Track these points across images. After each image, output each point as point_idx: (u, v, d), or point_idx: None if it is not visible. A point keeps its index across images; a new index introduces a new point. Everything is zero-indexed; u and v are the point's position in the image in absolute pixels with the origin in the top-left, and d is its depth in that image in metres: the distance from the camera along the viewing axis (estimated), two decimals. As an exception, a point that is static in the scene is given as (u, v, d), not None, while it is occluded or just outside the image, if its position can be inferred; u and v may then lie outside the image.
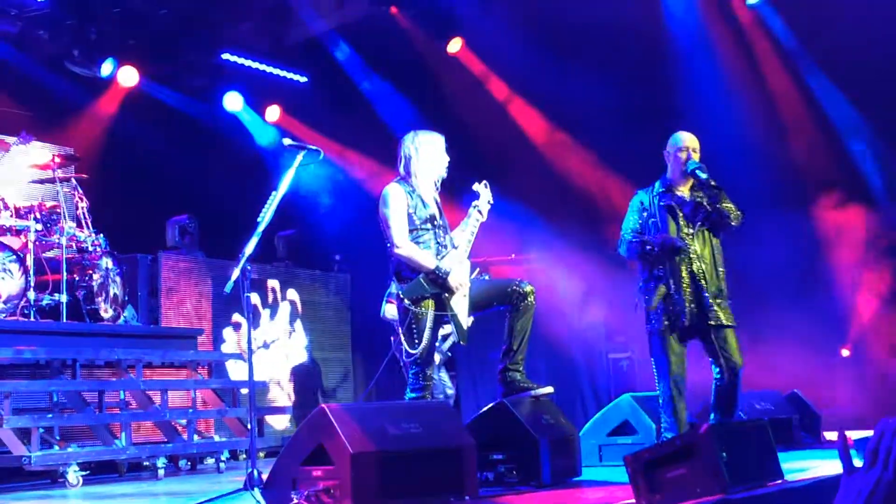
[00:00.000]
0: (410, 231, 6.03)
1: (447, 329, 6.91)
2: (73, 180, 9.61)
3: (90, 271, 9.07)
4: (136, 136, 11.96)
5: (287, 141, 6.08)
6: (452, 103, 12.41)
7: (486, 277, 7.72)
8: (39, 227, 8.88)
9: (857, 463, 1.78)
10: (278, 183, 5.81)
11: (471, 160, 10.04)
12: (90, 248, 9.30)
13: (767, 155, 11.25)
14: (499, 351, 6.20)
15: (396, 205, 6.06)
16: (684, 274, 6.53)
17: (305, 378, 12.30)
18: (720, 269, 6.62)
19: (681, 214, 6.63)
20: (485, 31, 12.01)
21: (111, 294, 9.25)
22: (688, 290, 6.53)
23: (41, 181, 9.71)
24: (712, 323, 6.48)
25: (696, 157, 6.64)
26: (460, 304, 6.01)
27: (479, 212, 6.31)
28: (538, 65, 11.78)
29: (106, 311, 9.16)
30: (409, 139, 6.28)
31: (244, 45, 12.52)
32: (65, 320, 8.76)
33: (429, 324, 5.87)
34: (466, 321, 6.07)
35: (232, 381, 10.14)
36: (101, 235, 9.45)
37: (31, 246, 8.69)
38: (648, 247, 6.57)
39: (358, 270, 13.00)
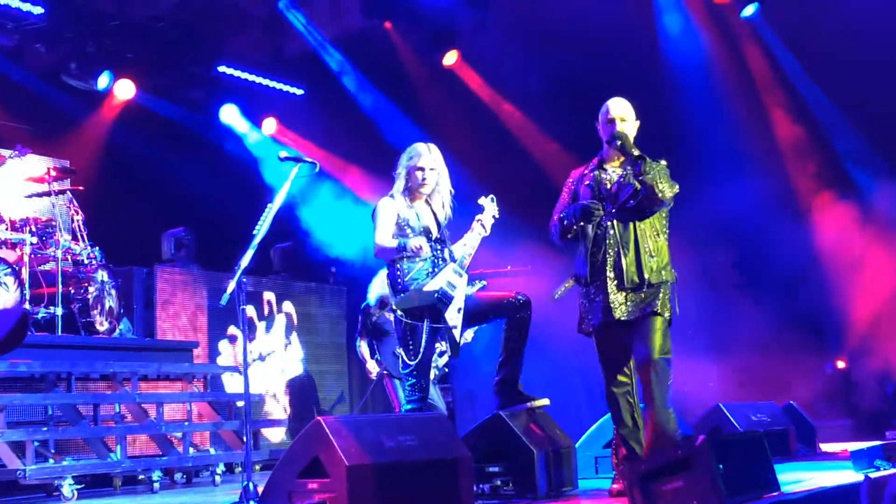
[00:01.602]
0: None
1: (442, 346, 6.91)
2: (69, 193, 9.61)
3: (86, 284, 9.06)
4: (132, 149, 11.96)
5: (283, 153, 6.08)
6: (448, 115, 12.42)
7: (484, 283, 7.70)
8: (35, 240, 8.88)
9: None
10: (274, 195, 5.82)
11: (466, 173, 10.06)
12: (86, 261, 9.29)
13: (760, 162, 11.30)
14: (494, 363, 6.19)
15: (383, 214, 6.09)
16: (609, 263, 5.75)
17: (301, 391, 12.28)
18: (651, 255, 5.69)
19: (602, 193, 5.83)
20: (480, 44, 12.03)
21: (107, 307, 9.23)
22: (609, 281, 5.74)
23: (37, 194, 9.69)
24: (622, 317, 5.67)
25: (623, 126, 5.83)
26: (454, 318, 6.01)
27: (482, 226, 6.31)
28: (534, 77, 11.79)
29: (101, 324, 9.15)
30: (404, 154, 6.30)
31: (240, 58, 12.53)
32: (60, 333, 8.75)
33: (424, 335, 5.87)
34: (460, 334, 6.07)
35: (227, 393, 10.13)
36: (97, 248, 9.45)
37: (26, 259, 8.68)
38: (566, 221, 5.86)
39: (354, 283, 13.00)
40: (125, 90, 11.71)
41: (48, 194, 9.48)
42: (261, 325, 11.93)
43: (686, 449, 4.56)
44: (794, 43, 11.52)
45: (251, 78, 12.73)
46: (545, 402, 6.15)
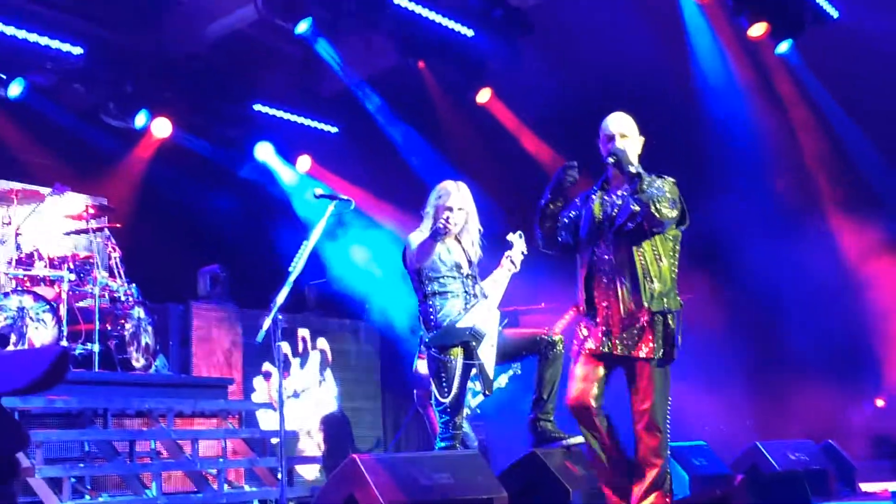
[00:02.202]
0: (436, 279, 6.06)
1: (476, 385, 6.91)
2: (107, 230, 9.71)
3: (122, 321, 9.13)
4: (169, 187, 12.06)
5: (318, 191, 6.12)
6: (480, 152, 12.46)
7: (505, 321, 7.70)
8: (73, 277, 8.96)
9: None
10: (309, 233, 5.85)
11: (500, 210, 10.08)
12: (122, 298, 9.36)
13: (796, 198, 11.25)
14: (528, 400, 6.18)
15: (415, 238, 6.14)
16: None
17: (335, 428, 12.27)
18: (652, 280, 5.23)
19: (602, 215, 5.44)
20: (513, 81, 12.08)
21: (143, 343, 9.29)
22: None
23: (75, 232, 9.79)
24: (618, 352, 5.24)
25: (624, 143, 5.41)
26: (487, 354, 6.01)
27: (512, 262, 6.33)
28: (566, 113, 11.82)
29: (137, 361, 9.20)
30: (433, 192, 6.36)
31: (275, 96, 12.63)
32: (97, 370, 8.80)
33: (458, 372, 5.87)
34: (493, 370, 6.07)
35: (262, 430, 10.13)
36: (134, 285, 9.52)
37: (64, 296, 8.75)
38: (542, 202, 5.50)
39: (388, 319, 13.01)
40: (162, 128, 11.82)
41: (86, 232, 9.58)
42: (295, 362, 11.96)
43: (724, 489, 4.52)
44: (828, 79, 11.49)
45: (286, 116, 12.82)
46: (580, 439, 6.10)
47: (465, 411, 7.03)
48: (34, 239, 9.44)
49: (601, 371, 5.32)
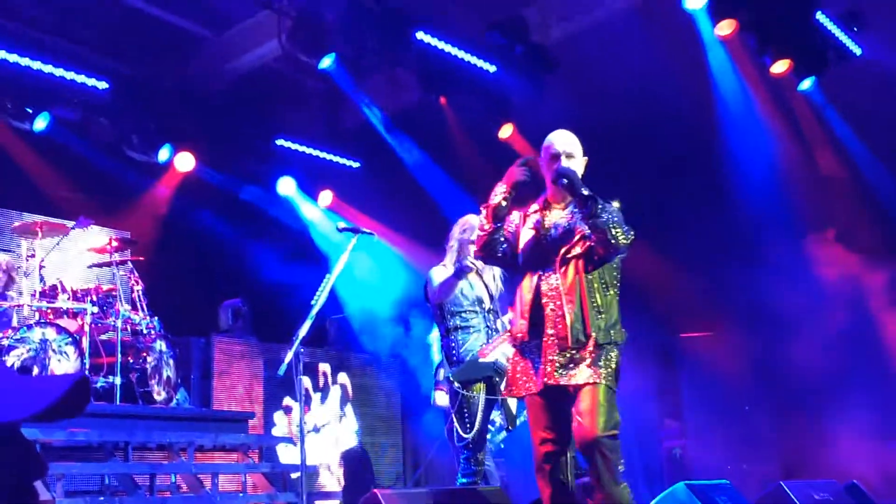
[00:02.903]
0: (458, 313, 6.06)
1: (499, 420, 6.89)
2: (130, 263, 9.75)
3: (144, 354, 9.15)
4: (191, 220, 12.12)
5: (341, 224, 6.14)
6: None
7: None
8: (96, 309, 9.00)
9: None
10: (331, 267, 5.86)
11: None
12: (145, 331, 9.39)
13: (818, 232, 11.24)
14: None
15: (438, 275, 6.13)
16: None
17: (356, 462, 12.22)
18: (599, 311, 4.89)
19: (547, 238, 5.06)
20: (535, 116, 12.10)
21: (164, 376, 9.30)
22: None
23: (98, 264, 9.84)
24: (563, 382, 4.86)
25: (570, 163, 5.09)
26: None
27: None
28: (590, 151, 11.83)
29: (159, 394, 9.21)
30: (456, 226, 6.37)
31: (298, 131, 12.71)
32: (118, 402, 8.81)
33: (480, 407, 5.85)
34: (517, 405, 6.04)
35: (282, 465, 10.10)
36: (156, 318, 9.55)
37: (87, 328, 8.79)
38: (494, 199, 5.11)
39: (408, 354, 12.99)
40: (185, 163, 11.89)
41: (109, 264, 9.63)
42: (316, 397, 11.94)
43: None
44: (851, 116, 11.48)
45: (308, 151, 12.88)
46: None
47: (489, 446, 7.01)
48: (58, 271, 9.50)
49: (551, 408, 4.95)
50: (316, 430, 11.82)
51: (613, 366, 4.89)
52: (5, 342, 8.22)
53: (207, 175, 12.38)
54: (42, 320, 8.65)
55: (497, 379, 5.95)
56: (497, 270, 6.34)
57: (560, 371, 4.86)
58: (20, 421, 1.52)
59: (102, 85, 10.71)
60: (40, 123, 10.62)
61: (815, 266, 11.19)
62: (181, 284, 11.37)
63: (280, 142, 12.59)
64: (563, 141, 5.19)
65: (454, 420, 5.98)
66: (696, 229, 11.14)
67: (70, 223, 9.43)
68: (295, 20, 10.17)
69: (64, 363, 8.45)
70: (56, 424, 7.73)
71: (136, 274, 9.73)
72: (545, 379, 4.87)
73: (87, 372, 8.58)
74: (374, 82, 11.98)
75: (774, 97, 11.31)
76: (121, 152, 11.64)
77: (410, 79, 11.63)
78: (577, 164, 5.16)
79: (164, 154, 11.69)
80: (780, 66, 10.38)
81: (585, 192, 4.90)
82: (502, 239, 5.13)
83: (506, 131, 12.57)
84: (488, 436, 6.33)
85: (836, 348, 10.66)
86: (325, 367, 12.16)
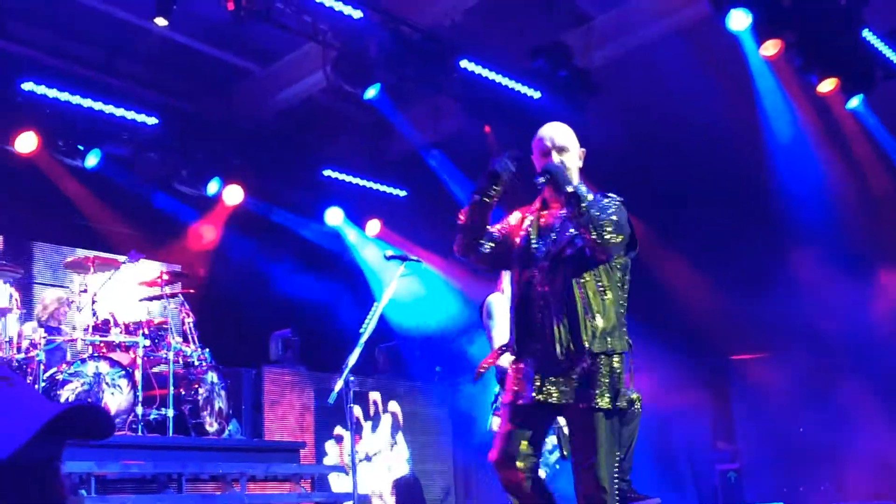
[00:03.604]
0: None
1: (553, 441, 6.84)
2: (181, 296, 9.84)
3: (196, 385, 9.21)
4: (241, 252, 12.22)
5: (389, 252, 6.16)
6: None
7: None
8: (148, 342, 9.08)
9: None
10: (379, 296, 5.88)
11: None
12: (196, 363, 9.46)
13: (870, 253, 11.10)
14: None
15: (498, 315, 6.10)
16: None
17: (407, 491, 12.21)
18: (593, 316, 4.46)
19: (539, 240, 4.69)
20: (580, 142, 12.08)
21: (216, 408, 9.36)
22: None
23: (150, 298, 9.95)
24: (554, 400, 4.48)
25: (563, 158, 4.68)
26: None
27: None
28: (636, 175, 11.80)
29: (211, 425, 9.26)
30: None
31: (345, 162, 12.78)
32: (171, 434, 8.87)
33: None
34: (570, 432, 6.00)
35: (334, 493, 10.12)
36: (207, 350, 9.62)
37: (139, 361, 8.86)
38: (476, 194, 4.71)
39: (459, 381, 12.98)
40: (234, 195, 11.99)
41: (160, 297, 9.72)
42: (367, 425, 11.95)
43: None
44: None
45: (355, 181, 12.95)
46: (656, 501, 6.02)
47: (544, 471, 6.97)
48: (110, 305, 9.60)
49: (534, 424, 4.58)
50: (368, 458, 11.83)
51: (613, 380, 4.44)
52: (59, 376, 8.32)
53: (255, 206, 12.48)
54: (95, 354, 8.75)
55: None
56: None
57: (550, 387, 4.46)
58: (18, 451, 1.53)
59: (152, 120, 10.86)
60: (91, 160, 10.77)
61: (866, 283, 11.06)
62: (231, 316, 11.46)
63: (327, 172, 12.67)
64: (554, 134, 4.77)
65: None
66: (746, 251, 11.07)
67: (121, 258, 9.55)
68: (339, 51, 10.26)
69: (117, 396, 8.54)
70: (111, 457, 7.81)
71: (187, 306, 9.82)
72: (534, 394, 4.48)
73: (140, 405, 8.64)
74: (419, 111, 12.05)
75: (822, 117, 11.23)
76: (170, 186, 11.77)
77: (455, 106, 11.67)
78: (572, 157, 4.74)
79: (213, 187, 11.80)
80: (826, 85, 10.30)
81: (570, 189, 4.46)
82: (485, 240, 4.74)
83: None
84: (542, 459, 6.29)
85: (890, 371, 10.52)
86: (375, 396, 12.18)
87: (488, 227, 4.76)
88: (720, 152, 11.09)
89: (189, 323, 9.71)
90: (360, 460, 11.58)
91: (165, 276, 9.68)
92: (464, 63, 10.80)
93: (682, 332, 11.42)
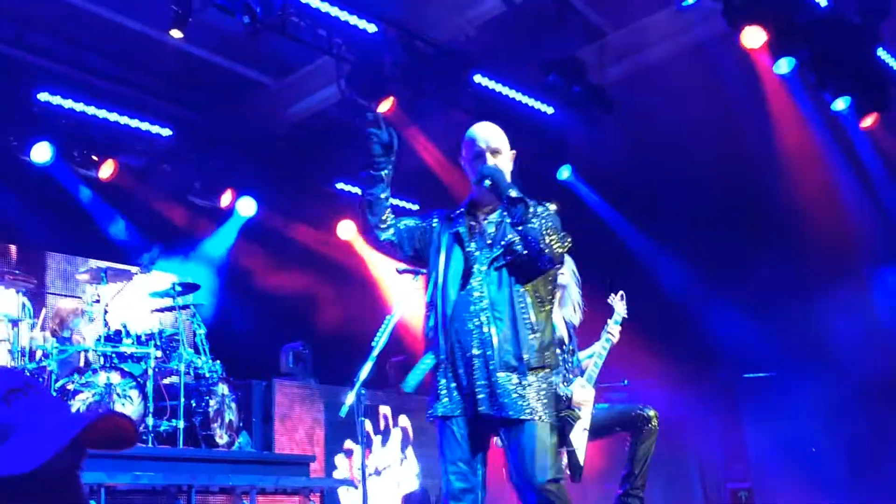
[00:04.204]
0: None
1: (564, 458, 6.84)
2: (192, 307, 9.84)
3: (207, 397, 9.21)
4: (252, 264, 12.24)
5: (401, 265, 6.15)
6: (564, 229, 12.45)
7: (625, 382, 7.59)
8: (159, 353, 9.10)
9: None
10: (392, 308, 5.86)
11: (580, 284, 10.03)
12: (207, 375, 9.46)
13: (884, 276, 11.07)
14: (616, 475, 6.09)
15: None
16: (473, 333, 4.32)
17: (416, 506, 12.18)
18: (533, 329, 4.28)
19: (473, 245, 4.47)
20: (594, 159, 12.09)
21: (226, 420, 9.35)
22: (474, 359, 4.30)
23: (161, 309, 9.96)
24: (490, 412, 4.27)
25: (497, 160, 4.51)
26: (579, 438, 5.93)
27: (610, 334, 6.24)
28: (649, 191, 11.79)
29: (221, 437, 9.25)
30: None
31: (357, 175, 12.78)
32: (181, 446, 8.87)
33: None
34: (583, 455, 5.98)
35: (343, 508, 10.10)
36: (218, 362, 9.62)
37: (150, 372, 8.87)
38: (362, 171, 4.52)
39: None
40: (247, 207, 12.02)
41: (172, 309, 9.73)
42: (377, 439, 11.93)
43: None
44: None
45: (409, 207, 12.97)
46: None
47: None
48: (122, 316, 9.61)
49: (470, 439, 4.36)
50: (377, 472, 11.80)
51: (550, 394, 4.30)
52: (71, 386, 8.33)
53: (268, 219, 12.50)
54: (107, 364, 8.76)
55: (568, 428, 5.88)
56: (578, 297, 6.27)
57: (487, 399, 4.25)
58: (49, 460, 1.53)
59: (166, 132, 10.90)
60: (106, 170, 10.81)
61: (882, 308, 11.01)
62: (243, 328, 11.46)
63: (340, 185, 12.69)
64: (488, 135, 4.59)
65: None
66: (759, 269, 11.02)
67: (134, 269, 9.57)
68: (353, 65, 10.28)
69: (128, 407, 8.54)
70: (121, 468, 7.81)
71: (199, 318, 9.82)
72: (470, 406, 4.30)
73: (150, 416, 8.64)
74: (432, 124, 12.06)
75: (836, 135, 11.20)
76: (184, 198, 11.81)
77: (468, 121, 11.64)
78: (505, 160, 4.58)
79: (226, 199, 11.83)
80: (841, 104, 10.28)
81: (513, 194, 4.30)
82: (387, 225, 4.61)
83: (564, 172, 12.56)
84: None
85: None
86: (385, 410, 12.16)
87: (388, 209, 4.65)
88: (733, 170, 11.07)
89: (201, 334, 9.71)
90: (370, 475, 11.56)
91: (178, 288, 9.70)
92: (477, 78, 10.82)
93: (694, 349, 11.38)
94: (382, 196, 4.60)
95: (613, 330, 6.27)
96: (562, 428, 5.85)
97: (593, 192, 12.75)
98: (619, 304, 6.35)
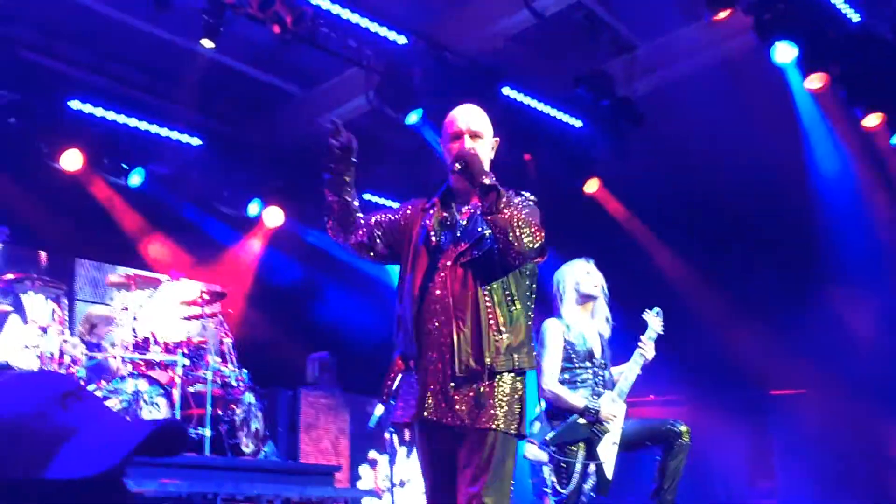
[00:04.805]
0: (568, 369, 6.00)
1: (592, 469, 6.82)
2: (220, 316, 9.87)
3: (233, 406, 9.23)
4: (279, 274, 12.27)
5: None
6: (592, 243, 12.43)
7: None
8: (187, 361, 9.12)
9: None
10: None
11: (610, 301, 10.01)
12: (234, 383, 9.48)
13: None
14: (645, 489, 6.06)
15: (551, 341, 6.06)
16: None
17: (440, 518, 12.14)
18: (499, 330, 3.94)
19: (442, 238, 4.16)
20: (622, 172, 12.06)
21: (252, 429, 9.37)
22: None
23: (189, 317, 9.99)
24: (446, 420, 3.96)
25: (475, 144, 4.14)
26: (608, 452, 5.91)
27: (644, 350, 6.22)
28: (678, 205, 11.75)
29: (247, 446, 9.27)
30: (557, 273, 6.33)
31: (384, 186, 12.81)
32: (208, 454, 8.89)
33: (578, 466, 5.78)
34: (612, 469, 5.96)
35: (368, 518, 10.09)
36: (245, 370, 9.64)
37: (177, 380, 8.90)
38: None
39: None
40: (274, 217, 12.06)
41: (200, 317, 9.77)
42: (401, 451, 11.90)
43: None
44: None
45: (395, 206, 12.93)
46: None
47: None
48: (150, 324, 9.65)
49: (437, 450, 4.10)
50: (401, 484, 11.78)
51: (515, 402, 3.97)
52: (99, 393, 8.36)
53: (295, 228, 12.53)
54: (135, 372, 8.80)
55: (596, 441, 5.87)
56: (606, 310, 6.25)
57: (442, 405, 3.93)
58: (115, 468, 1.53)
59: (195, 141, 10.96)
60: (135, 179, 10.87)
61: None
62: (269, 337, 11.49)
63: (367, 196, 12.69)
64: (468, 117, 4.24)
65: (551, 474, 5.91)
66: (787, 285, 10.97)
67: (162, 276, 9.61)
68: (382, 76, 10.31)
69: (155, 414, 8.57)
70: (147, 475, 7.83)
71: (226, 326, 9.85)
72: (423, 412, 3.97)
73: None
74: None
75: (868, 152, 11.14)
76: (212, 206, 11.86)
77: (496, 133, 11.65)
78: (485, 145, 4.22)
79: (253, 209, 11.87)
80: (872, 120, 10.22)
81: (487, 181, 3.92)
82: (359, 227, 4.30)
83: (592, 186, 12.54)
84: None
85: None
86: (410, 421, 12.14)
87: (356, 210, 4.32)
88: (763, 185, 11.02)
89: (228, 343, 9.74)
90: (395, 485, 11.54)
91: (205, 296, 9.73)
92: (506, 90, 10.83)
93: (721, 365, 11.32)
94: (348, 199, 4.27)
95: (648, 346, 6.24)
96: (589, 441, 5.85)
97: (621, 205, 12.72)
98: (654, 320, 6.32)
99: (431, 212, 4.24)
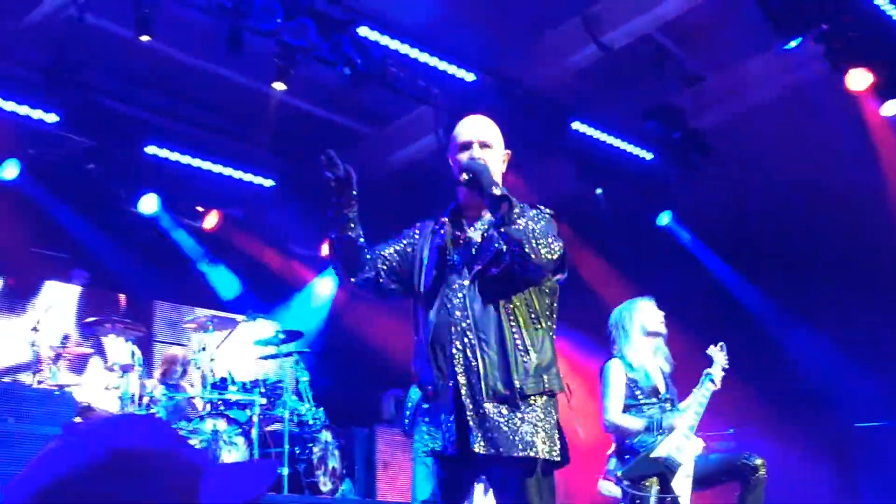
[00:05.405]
0: (633, 406, 5.96)
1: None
2: (295, 354, 9.95)
3: (310, 444, 9.27)
4: (354, 312, 12.34)
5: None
6: (664, 275, 12.34)
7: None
8: (264, 401, 9.20)
9: None
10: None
11: (683, 331, 9.92)
12: (310, 422, 9.53)
13: None
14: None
15: (613, 380, 6.05)
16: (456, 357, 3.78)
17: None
18: (525, 351, 3.73)
19: (456, 258, 3.96)
20: (695, 204, 11.98)
21: (330, 467, 9.40)
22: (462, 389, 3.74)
23: (265, 357, 10.09)
24: (478, 449, 3.67)
25: (485, 155, 3.96)
26: (682, 485, 5.85)
27: (712, 381, 6.18)
28: (751, 236, 11.64)
29: (325, 485, 9.30)
30: (616, 313, 6.31)
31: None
32: (286, 493, 8.93)
33: (653, 500, 5.73)
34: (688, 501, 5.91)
35: (444, 556, 10.04)
36: (321, 409, 9.69)
37: (255, 419, 8.97)
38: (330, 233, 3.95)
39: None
40: (348, 257, 12.13)
41: (276, 356, 9.86)
42: (479, 487, 11.86)
43: None
44: None
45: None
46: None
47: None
48: (227, 363, 9.77)
49: (458, 481, 3.90)
50: (478, 521, 11.74)
51: (551, 426, 3.73)
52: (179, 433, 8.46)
53: (368, 267, 12.59)
54: (213, 412, 8.89)
55: (669, 475, 5.82)
56: (666, 348, 6.21)
57: (475, 433, 3.68)
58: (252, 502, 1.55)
59: (269, 182, 11.10)
60: (210, 221, 11.04)
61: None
62: (345, 375, 11.55)
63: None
64: (477, 127, 4.08)
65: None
66: (871, 315, 10.76)
67: (239, 317, 9.73)
68: (451, 114, 10.37)
69: (234, 454, 8.65)
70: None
71: (302, 365, 9.93)
72: (453, 440, 3.74)
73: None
74: (531, 172, 12.08)
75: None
76: (286, 247, 11.99)
77: (567, 168, 11.68)
78: (495, 156, 4.04)
79: (326, 248, 11.96)
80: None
81: (497, 192, 3.74)
82: (367, 263, 4.07)
83: (664, 218, 12.47)
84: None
85: None
86: (485, 458, 12.10)
87: (363, 248, 4.07)
88: (841, 214, 10.87)
89: (304, 381, 9.81)
90: (471, 522, 11.50)
91: (281, 335, 9.82)
92: (576, 125, 10.84)
93: (803, 397, 11.14)
94: (352, 235, 4.02)
95: (716, 378, 6.18)
96: (662, 476, 5.79)
97: (694, 237, 12.62)
98: (718, 354, 6.26)
99: (442, 231, 4.05)
